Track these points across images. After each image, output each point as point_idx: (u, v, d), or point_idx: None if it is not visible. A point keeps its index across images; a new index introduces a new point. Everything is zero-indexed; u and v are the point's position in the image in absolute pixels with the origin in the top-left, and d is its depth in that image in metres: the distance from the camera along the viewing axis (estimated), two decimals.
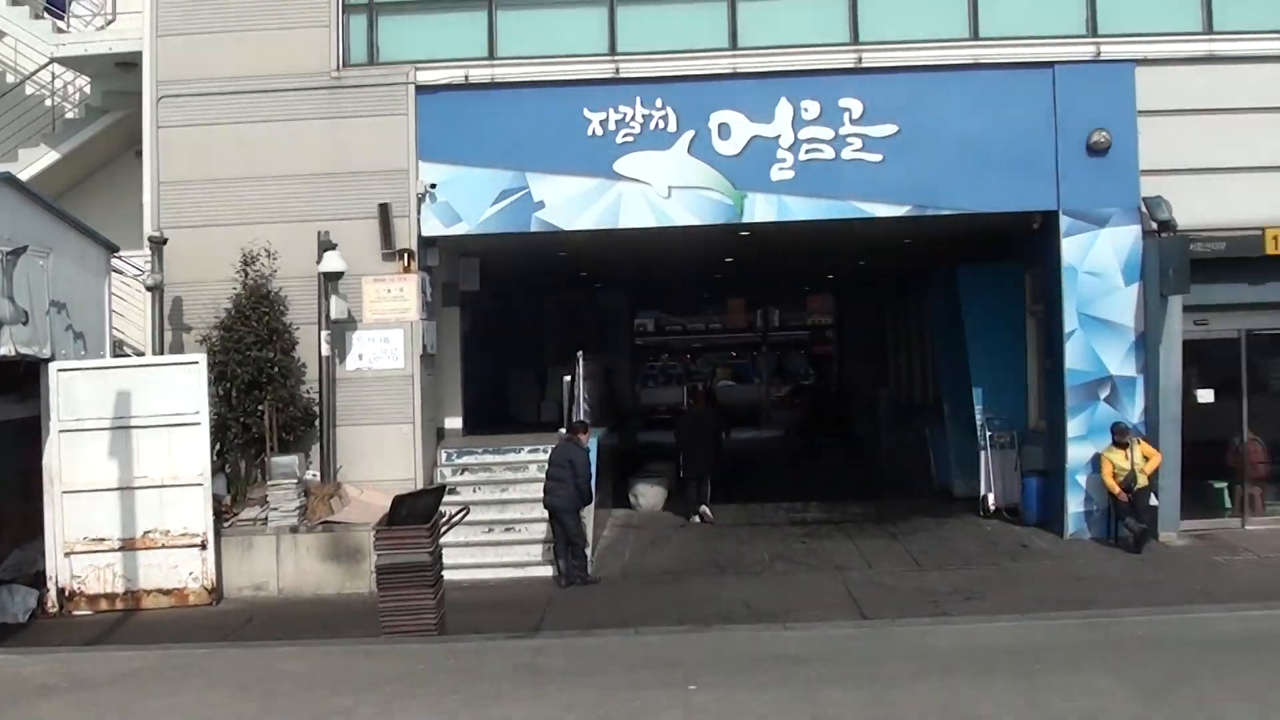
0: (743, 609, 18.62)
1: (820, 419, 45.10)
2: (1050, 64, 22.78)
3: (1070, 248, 22.75)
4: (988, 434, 25.59)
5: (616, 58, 22.89)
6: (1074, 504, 22.99)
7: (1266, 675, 13.52)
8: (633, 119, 22.74)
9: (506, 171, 22.77)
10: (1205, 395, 23.41)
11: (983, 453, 25.62)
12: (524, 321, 36.92)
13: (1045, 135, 22.74)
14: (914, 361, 35.18)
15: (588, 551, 21.51)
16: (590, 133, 22.78)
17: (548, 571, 21.53)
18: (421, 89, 22.78)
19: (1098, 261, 22.72)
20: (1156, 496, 22.18)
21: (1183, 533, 22.63)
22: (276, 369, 21.83)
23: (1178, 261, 21.74)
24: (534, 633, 17.49)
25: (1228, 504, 23.75)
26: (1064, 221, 22.76)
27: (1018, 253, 25.34)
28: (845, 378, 50.72)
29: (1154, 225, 22.28)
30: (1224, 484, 23.80)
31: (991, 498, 25.44)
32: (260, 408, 21.66)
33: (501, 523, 22.48)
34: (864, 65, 22.79)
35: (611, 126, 22.77)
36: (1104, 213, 22.70)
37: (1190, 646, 15.14)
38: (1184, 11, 23.13)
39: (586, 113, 22.77)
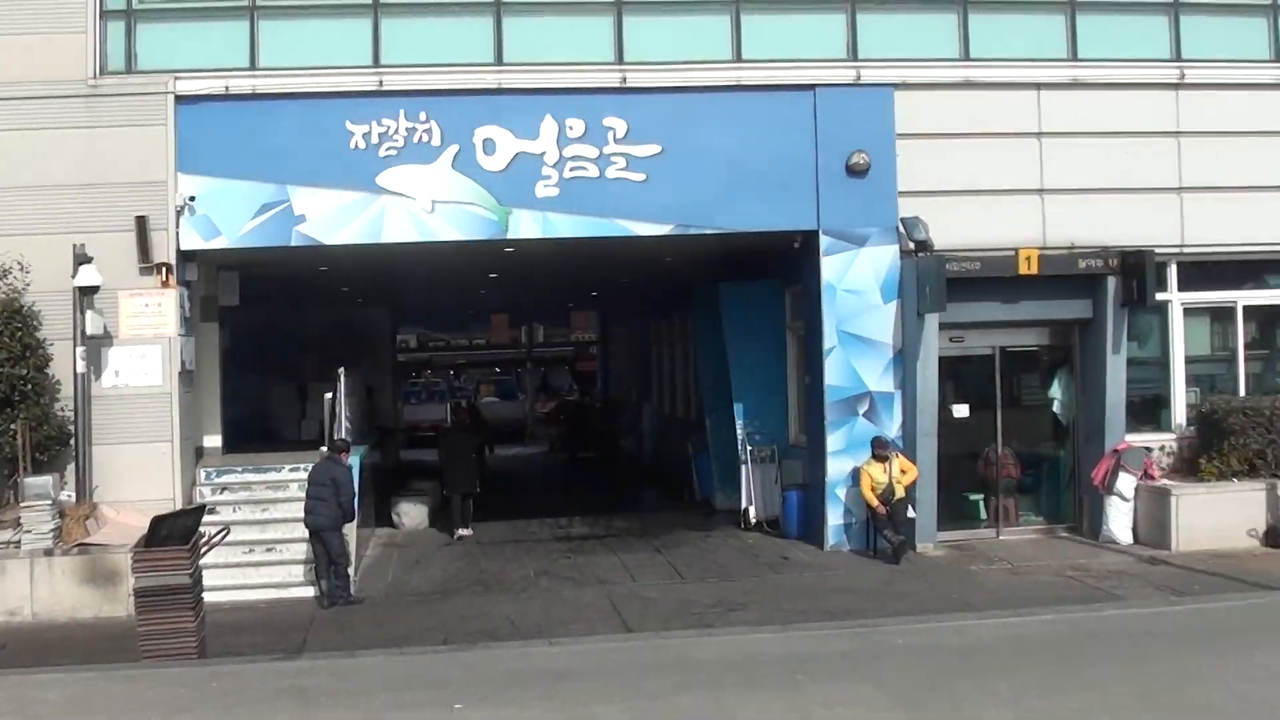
0: (508, 626, 18.56)
1: (584, 434, 45.23)
2: (812, 86, 23.16)
3: (830, 266, 23.15)
4: (749, 448, 25.93)
5: (380, 70, 22.63)
6: (834, 517, 23.41)
7: (1021, 679, 13.94)
8: (396, 132, 22.50)
9: (268, 184, 22.32)
10: (961, 410, 24.06)
11: (744, 467, 25.94)
12: (285, 337, 36.33)
13: (806, 156, 23.11)
14: (677, 377, 35.53)
15: (350, 571, 21.23)
16: (353, 146, 22.46)
17: (310, 592, 21.18)
18: (181, 99, 22.19)
19: (857, 280, 23.17)
20: (914, 509, 22.72)
21: (940, 544, 23.24)
22: (30, 386, 21.04)
23: (934, 281, 22.29)
24: (297, 654, 17.19)
25: (983, 515, 24.48)
26: (824, 241, 23.15)
27: (779, 271, 25.73)
28: (609, 393, 51.03)
29: (911, 245, 22.82)
30: (979, 496, 24.54)
31: (753, 511, 25.77)
32: (12, 427, 20.87)
33: (262, 543, 22.10)
34: (629, 85, 22.90)
35: (375, 139, 22.49)
36: (863, 233, 23.15)
37: (948, 654, 15.54)
38: (943, 38, 23.77)
39: (349, 125, 22.44)
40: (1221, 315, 25.10)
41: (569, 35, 23.34)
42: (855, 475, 22.92)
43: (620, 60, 23.04)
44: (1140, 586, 19.94)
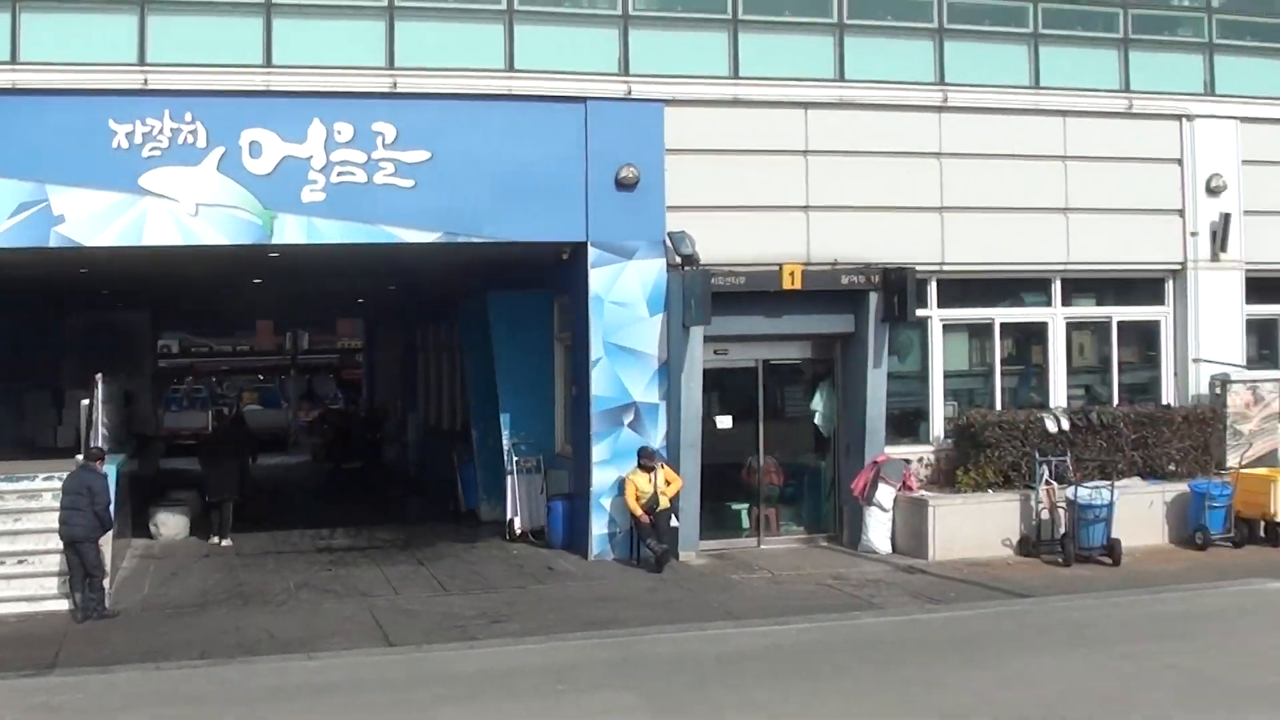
0: (267, 639, 18.21)
1: (349, 444, 44.73)
2: (583, 99, 23.22)
3: (598, 278, 23.25)
4: (514, 459, 25.86)
5: (146, 68, 22.09)
6: (598, 526, 23.49)
7: (777, 685, 14.24)
8: (161, 133, 21.94)
9: (26, 183, 21.56)
10: (724, 421, 24.35)
11: (509, 477, 25.85)
12: (42, 341, 35.38)
13: (576, 168, 23.16)
14: (444, 386, 35.38)
15: (106, 583, 20.69)
16: (115, 145, 21.83)
17: (64, 605, 20.55)
18: None
19: (624, 292, 23.30)
20: (678, 518, 22.91)
21: (703, 552, 23.46)
22: None
23: (700, 294, 22.49)
24: (49, 670, 16.66)
25: (745, 524, 24.77)
26: (592, 253, 23.23)
27: (548, 281, 25.76)
28: (375, 402, 50.63)
29: (678, 259, 23.01)
30: (742, 505, 24.82)
31: (518, 522, 25.69)
32: None
33: (14, 554, 21.36)
34: (399, 90, 22.71)
35: (138, 140, 21.89)
36: (631, 245, 23.30)
37: (708, 661, 15.75)
38: (713, 56, 24.05)
39: (112, 124, 21.81)
40: (979, 331, 25.83)
41: (340, 38, 23.07)
42: (620, 485, 23.04)
43: (391, 65, 22.83)
44: (897, 595, 20.38)
